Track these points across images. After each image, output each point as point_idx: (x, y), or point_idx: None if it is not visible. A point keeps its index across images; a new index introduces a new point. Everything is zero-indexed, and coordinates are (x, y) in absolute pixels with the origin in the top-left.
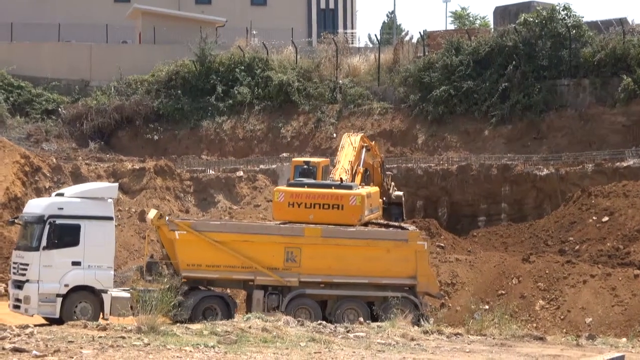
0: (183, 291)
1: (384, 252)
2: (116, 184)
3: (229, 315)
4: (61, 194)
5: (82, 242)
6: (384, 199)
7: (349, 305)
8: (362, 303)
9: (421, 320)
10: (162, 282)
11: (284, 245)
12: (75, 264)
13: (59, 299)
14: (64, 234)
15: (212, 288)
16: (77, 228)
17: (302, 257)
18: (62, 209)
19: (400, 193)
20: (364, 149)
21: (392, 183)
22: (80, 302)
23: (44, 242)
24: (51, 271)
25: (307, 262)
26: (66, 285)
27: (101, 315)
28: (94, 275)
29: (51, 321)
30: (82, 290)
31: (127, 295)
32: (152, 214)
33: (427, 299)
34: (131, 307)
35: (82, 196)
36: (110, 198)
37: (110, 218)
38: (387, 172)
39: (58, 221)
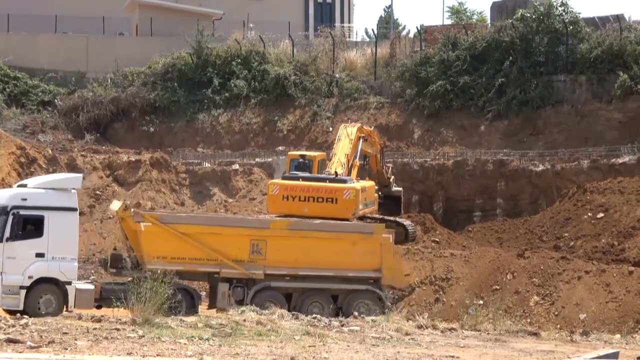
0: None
1: (350, 245)
2: (80, 175)
3: (193, 307)
4: (24, 185)
5: (46, 234)
6: (380, 193)
7: (314, 298)
8: (327, 296)
9: (385, 312)
10: (126, 275)
11: (250, 238)
12: (39, 255)
13: (23, 291)
14: (28, 225)
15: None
16: (41, 219)
17: (267, 250)
18: (25, 199)
19: (400, 188)
20: (361, 140)
21: (392, 177)
22: (44, 295)
23: (7, 234)
24: (14, 263)
25: (272, 254)
26: (30, 277)
27: (65, 308)
28: (58, 267)
29: (13, 314)
30: (46, 282)
31: (91, 287)
32: (116, 205)
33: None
34: (95, 300)
35: (46, 187)
36: (74, 189)
37: (74, 209)
38: (388, 164)
39: (21, 212)
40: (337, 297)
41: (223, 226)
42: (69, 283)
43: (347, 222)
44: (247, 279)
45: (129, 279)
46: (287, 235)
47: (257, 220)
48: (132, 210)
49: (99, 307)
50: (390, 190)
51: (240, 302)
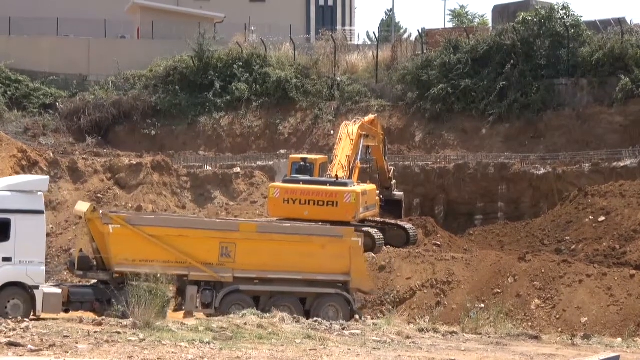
0: (113, 287)
1: (319, 248)
2: (47, 177)
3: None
4: None
5: (13, 237)
6: (382, 196)
7: (282, 301)
8: (295, 299)
9: (354, 316)
10: (93, 277)
11: (219, 240)
12: (6, 259)
13: None
14: None
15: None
16: (7, 223)
17: (237, 253)
18: None
19: (401, 193)
20: (362, 138)
21: (394, 182)
22: (11, 299)
23: None
24: None
25: (241, 257)
26: None
27: (32, 313)
28: (25, 271)
29: None
30: (13, 286)
31: (59, 291)
32: (84, 206)
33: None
34: (63, 304)
35: (12, 189)
36: (41, 191)
37: (41, 212)
38: (390, 167)
39: None
40: (305, 301)
41: (192, 228)
42: (37, 287)
43: (316, 225)
44: (216, 282)
45: (94, 281)
46: (256, 238)
47: (227, 223)
48: (100, 212)
49: (66, 311)
50: (392, 194)
51: (208, 306)
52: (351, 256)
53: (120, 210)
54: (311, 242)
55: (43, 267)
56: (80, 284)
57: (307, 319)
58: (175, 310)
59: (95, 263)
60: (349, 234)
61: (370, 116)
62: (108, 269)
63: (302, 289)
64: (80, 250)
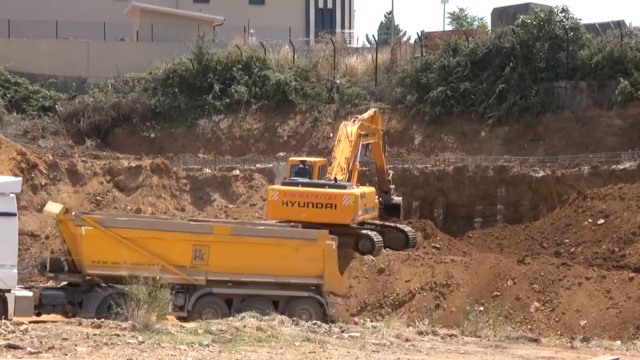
0: (83, 289)
1: (293, 251)
2: (20, 178)
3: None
4: None
5: None
6: (381, 199)
7: (255, 304)
8: (267, 302)
9: (327, 320)
10: (64, 279)
11: (193, 243)
12: None
13: None
14: None
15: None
16: None
17: (210, 255)
18: None
19: (400, 198)
20: (362, 138)
21: (393, 186)
22: None
23: None
24: None
25: (215, 260)
26: None
27: (4, 316)
28: None
29: None
30: None
31: (31, 294)
32: (55, 207)
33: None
34: (35, 307)
35: None
36: (13, 193)
37: (13, 214)
38: (389, 171)
39: None
40: (278, 304)
41: (165, 231)
42: (8, 291)
43: (290, 228)
44: (189, 284)
45: (64, 283)
46: (230, 240)
47: (200, 225)
48: (72, 213)
49: (38, 314)
50: (390, 198)
51: (181, 308)
52: (325, 259)
53: (119, 212)
54: (285, 245)
55: (15, 270)
56: (51, 286)
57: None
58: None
59: (66, 265)
60: (323, 237)
61: (370, 112)
62: (79, 271)
63: (275, 292)
64: (51, 252)
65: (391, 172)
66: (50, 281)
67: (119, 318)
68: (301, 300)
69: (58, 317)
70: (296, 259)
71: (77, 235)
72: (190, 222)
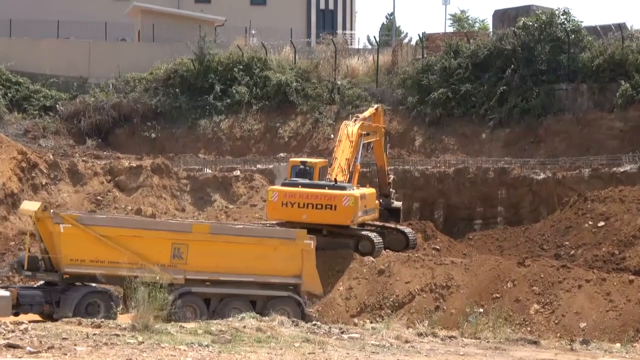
0: (61, 288)
1: (271, 250)
2: None
3: (111, 311)
4: None
5: None
6: (381, 200)
7: (233, 304)
8: (245, 302)
9: (305, 320)
10: (41, 278)
11: (172, 241)
12: None
13: None
14: None
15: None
16: None
17: (189, 254)
18: None
19: (400, 203)
20: (362, 137)
21: (393, 191)
22: None
23: None
24: None
25: (194, 259)
26: None
27: None
28: None
29: None
30: None
31: (8, 294)
32: (32, 206)
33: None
34: (12, 306)
35: None
36: None
37: None
38: (390, 175)
39: None
40: (256, 303)
41: (144, 229)
42: None
43: (269, 227)
44: (168, 283)
45: (41, 282)
46: (209, 239)
47: (179, 224)
48: (51, 211)
49: (16, 314)
50: (390, 202)
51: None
52: (303, 259)
53: (118, 213)
54: (263, 244)
55: None
56: (28, 285)
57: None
58: (123, 312)
59: (43, 264)
60: (302, 236)
61: (371, 109)
62: (57, 270)
63: (253, 292)
64: (28, 250)
65: (392, 175)
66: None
67: (98, 317)
68: (279, 300)
69: (36, 317)
70: (275, 259)
71: (55, 234)
72: (170, 221)
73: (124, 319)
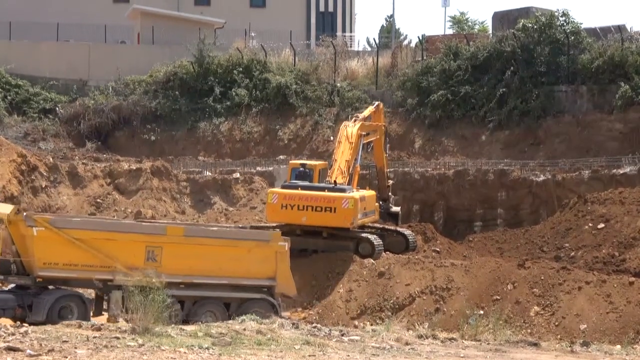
0: (33, 292)
1: (245, 252)
2: None
3: (85, 314)
4: None
5: None
6: (380, 203)
7: (206, 306)
8: (219, 304)
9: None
10: (14, 281)
11: (145, 244)
12: None
13: None
14: None
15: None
16: None
17: (163, 256)
18: None
19: (398, 208)
20: (362, 138)
21: (392, 196)
22: None
23: None
24: None
25: (168, 261)
26: None
27: None
28: None
29: None
30: None
31: None
32: (5, 208)
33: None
34: None
35: None
36: None
37: None
38: (389, 180)
39: None
40: (230, 306)
41: (118, 232)
42: None
43: (243, 229)
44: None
45: (12, 285)
46: (183, 242)
47: (153, 226)
48: (24, 214)
49: None
50: (389, 207)
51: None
52: (277, 260)
53: (118, 215)
54: (237, 246)
55: None
56: (1, 289)
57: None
58: (95, 315)
59: (14, 267)
60: (276, 238)
61: (371, 108)
62: (29, 273)
63: (227, 294)
64: (1, 254)
65: (391, 181)
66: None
67: (71, 319)
68: (253, 302)
69: (8, 321)
70: (249, 260)
71: (28, 237)
72: (143, 223)
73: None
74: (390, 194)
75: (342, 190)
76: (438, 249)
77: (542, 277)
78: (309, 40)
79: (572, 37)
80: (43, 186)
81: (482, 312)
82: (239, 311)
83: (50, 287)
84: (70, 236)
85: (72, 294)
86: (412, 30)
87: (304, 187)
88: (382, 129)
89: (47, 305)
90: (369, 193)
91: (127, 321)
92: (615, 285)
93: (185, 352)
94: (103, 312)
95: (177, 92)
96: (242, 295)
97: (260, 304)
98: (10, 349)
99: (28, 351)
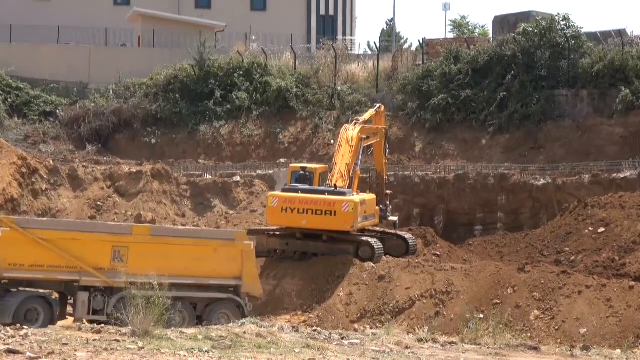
0: None
1: (212, 252)
2: None
3: (51, 317)
4: None
5: None
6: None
7: (175, 307)
8: (187, 304)
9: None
10: None
11: (112, 244)
12: None
13: None
14: None
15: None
16: None
17: (129, 257)
18: None
19: (396, 218)
20: (363, 142)
21: (390, 207)
22: None
23: None
24: None
25: (134, 261)
26: None
27: None
28: None
29: None
30: None
31: None
32: None
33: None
34: None
35: None
36: None
37: None
38: (387, 192)
39: None
40: (196, 306)
41: (84, 232)
42: None
43: (209, 229)
44: (108, 287)
45: None
46: (149, 241)
47: (119, 226)
48: None
49: None
50: (387, 216)
51: (100, 312)
52: (243, 260)
53: (119, 218)
54: (203, 246)
55: None
56: None
57: (200, 324)
58: (59, 318)
59: None
60: (241, 237)
61: (372, 111)
62: None
63: (194, 294)
64: None
65: (389, 191)
66: None
67: (37, 323)
68: (220, 302)
69: None
70: (215, 260)
71: None
72: (109, 223)
73: (63, 325)
74: (388, 202)
75: (342, 194)
76: (438, 253)
77: (542, 281)
78: (309, 44)
79: (573, 42)
80: (43, 189)
81: (482, 316)
82: (206, 311)
83: (14, 290)
84: (36, 236)
85: (38, 296)
86: (412, 34)
87: (304, 191)
88: (382, 132)
89: (13, 307)
90: (369, 196)
91: (90, 322)
92: (616, 290)
93: (185, 356)
94: (67, 316)
95: (177, 95)
96: (208, 295)
97: (226, 304)
98: (11, 352)
99: (28, 354)
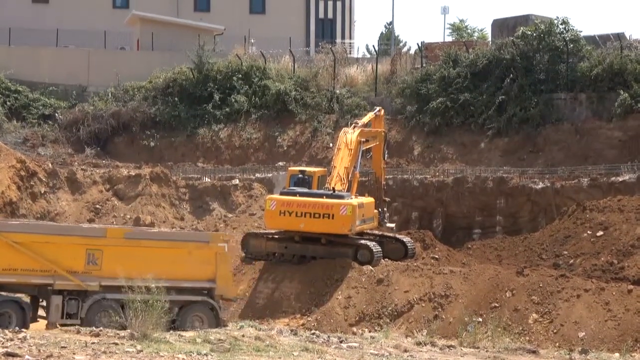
0: None
1: (186, 254)
2: None
3: (23, 321)
4: None
5: None
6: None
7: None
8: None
9: (220, 324)
10: None
11: (86, 247)
12: None
13: None
14: None
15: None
16: None
17: (103, 260)
18: None
19: (393, 225)
20: (361, 145)
21: (388, 213)
22: None
23: None
24: None
25: (108, 264)
26: None
27: None
28: None
29: None
30: None
31: None
32: None
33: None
34: None
35: None
36: None
37: None
38: (385, 199)
39: None
40: (171, 309)
41: (58, 235)
42: None
43: (183, 231)
44: (82, 290)
45: None
46: (123, 244)
47: (93, 229)
48: None
49: None
50: (384, 223)
51: (74, 316)
52: (217, 262)
53: (118, 221)
54: (178, 248)
55: None
56: None
57: (173, 325)
58: (31, 321)
59: None
60: (216, 239)
61: (371, 114)
62: None
63: (169, 297)
64: None
65: (387, 199)
66: None
67: (9, 328)
68: (193, 305)
69: None
70: (189, 262)
71: None
72: (83, 226)
73: (35, 329)
74: (385, 209)
75: (341, 197)
76: (437, 256)
77: (541, 285)
78: (308, 47)
79: (572, 45)
80: (42, 192)
81: (480, 319)
82: (180, 314)
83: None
84: (9, 239)
85: (10, 300)
86: (411, 37)
87: (302, 194)
88: (381, 135)
89: None
90: (368, 200)
91: (62, 326)
92: (614, 293)
93: (183, 359)
94: (38, 319)
95: (176, 99)
96: (182, 298)
97: (200, 307)
98: (9, 355)
99: (27, 357)
